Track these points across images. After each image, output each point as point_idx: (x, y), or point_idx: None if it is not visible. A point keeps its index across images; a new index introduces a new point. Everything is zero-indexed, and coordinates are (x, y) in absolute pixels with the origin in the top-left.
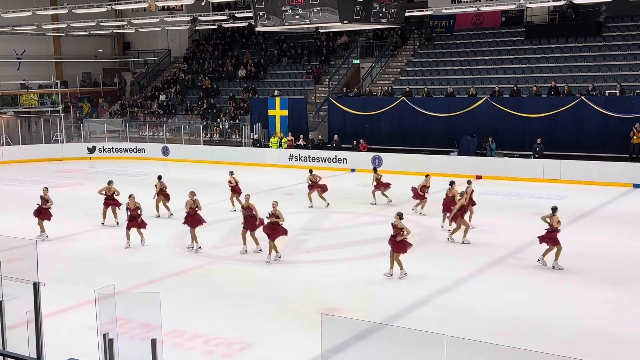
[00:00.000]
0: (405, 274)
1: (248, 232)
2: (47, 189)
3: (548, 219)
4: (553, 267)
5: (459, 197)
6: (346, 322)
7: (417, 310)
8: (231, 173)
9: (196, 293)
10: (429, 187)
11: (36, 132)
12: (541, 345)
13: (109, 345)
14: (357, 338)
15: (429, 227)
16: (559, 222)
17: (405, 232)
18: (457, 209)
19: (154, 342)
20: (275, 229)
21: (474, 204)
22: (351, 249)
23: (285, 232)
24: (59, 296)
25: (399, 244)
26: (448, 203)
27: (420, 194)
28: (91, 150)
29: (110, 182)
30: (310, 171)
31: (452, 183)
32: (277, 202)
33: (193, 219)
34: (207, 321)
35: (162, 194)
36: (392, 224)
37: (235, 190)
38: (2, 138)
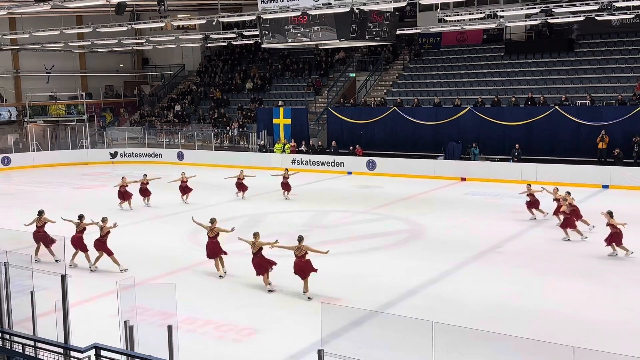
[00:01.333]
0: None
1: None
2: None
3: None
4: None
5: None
6: (344, 311)
7: (407, 299)
8: (183, 173)
9: (208, 284)
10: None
11: (63, 139)
12: (521, 331)
13: (129, 331)
14: (353, 325)
15: (419, 225)
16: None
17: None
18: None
19: (170, 328)
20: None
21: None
22: (348, 244)
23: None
24: (84, 287)
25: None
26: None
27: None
28: (113, 155)
29: (40, 212)
30: (286, 169)
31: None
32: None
33: (211, 249)
34: (218, 310)
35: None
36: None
37: (185, 189)
38: (33, 144)
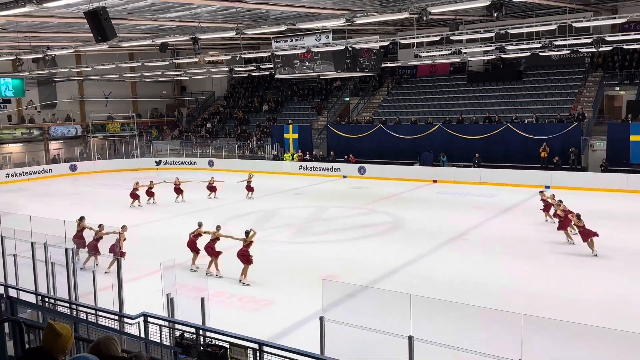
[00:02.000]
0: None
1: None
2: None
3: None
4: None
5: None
6: (340, 286)
7: (391, 276)
8: (212, 177)
9: (232, 265)
10: None
11: (118, 150)
12: (480, 301)
13: (170, 303)
14: (348, 297)
15: (400, 217)
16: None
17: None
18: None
19: (202, 300)
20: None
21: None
22: (344, 233)
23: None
24: (135, 267)
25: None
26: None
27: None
28: (158, 163)
29: (82, 218)
30: (250, 175)
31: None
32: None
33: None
34: (239, 285)
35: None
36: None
37: (212, 188)
38: (95, 154)
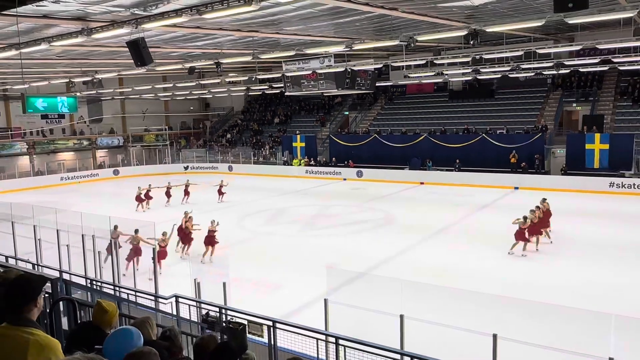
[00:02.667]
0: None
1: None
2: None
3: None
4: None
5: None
6: (341, 273)
7: (384, 264)
8: (222, 180)
9: (247, 254)
10: None
11: (153, 157)
12: (459, 285)
13: (197, 286)
14: (348, 282)
15: (392, 214)
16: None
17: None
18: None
19: (224, 284)
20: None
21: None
22: (344, 228)
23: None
24: (168, 256)
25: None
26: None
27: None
28: (185, 167)
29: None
30: (188, 180)
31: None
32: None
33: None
34: (255, 272)
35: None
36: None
37: (219, 192)
38: (134, 161)
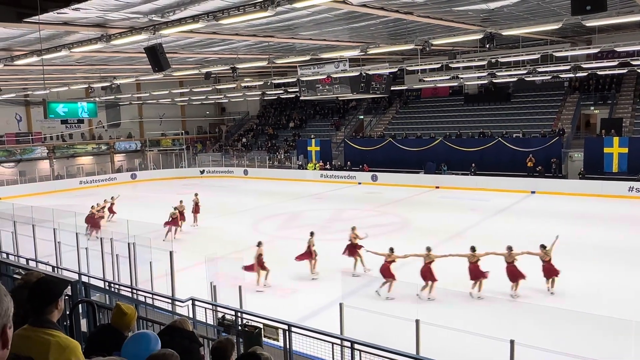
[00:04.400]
0: None
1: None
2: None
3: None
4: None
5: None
6: (356, 278)
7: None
8: (196, 194)
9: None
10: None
11: (170, 161)
12: (456, 284)
13: (214, 289)
14: (363, 286)
15: (407, 218)
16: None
17: None
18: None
19: (240, 287)
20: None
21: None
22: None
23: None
24: (184, 259)
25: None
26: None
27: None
28: (202, 172)
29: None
30: (181, 201)
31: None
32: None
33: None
34: (271, 275)
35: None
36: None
37: (195, 209)
38: (151, 165)
